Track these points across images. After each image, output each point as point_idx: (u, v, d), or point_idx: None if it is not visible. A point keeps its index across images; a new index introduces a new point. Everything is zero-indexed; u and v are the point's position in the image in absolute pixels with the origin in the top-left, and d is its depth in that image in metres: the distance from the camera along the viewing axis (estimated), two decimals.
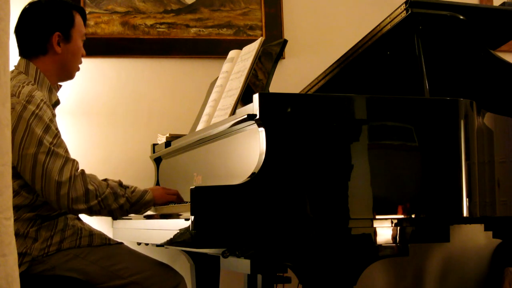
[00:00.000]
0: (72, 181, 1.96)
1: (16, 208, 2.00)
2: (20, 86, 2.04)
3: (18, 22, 2.20)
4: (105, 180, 2.07)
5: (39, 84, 2.12)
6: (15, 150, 1.96)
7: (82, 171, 2.01)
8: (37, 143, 1.97)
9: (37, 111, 2.00)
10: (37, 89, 2.07)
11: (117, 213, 2.07)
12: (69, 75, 2.26)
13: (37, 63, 2.15)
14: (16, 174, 2.00)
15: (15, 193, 2.00)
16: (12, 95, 1.99)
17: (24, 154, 1.97)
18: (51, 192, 1.96)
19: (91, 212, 2.02)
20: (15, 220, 1.98)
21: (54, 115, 2.11)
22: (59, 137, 2.04)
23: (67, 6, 2.22)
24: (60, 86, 2.27)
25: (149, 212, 2.30)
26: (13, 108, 1.97)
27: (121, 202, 2.04)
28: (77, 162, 2.02)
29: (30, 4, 2.20)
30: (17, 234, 1.96)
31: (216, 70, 2.77)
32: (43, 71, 2.14)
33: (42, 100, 2.04)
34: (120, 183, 2.08)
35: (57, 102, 2.22)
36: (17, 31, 2.20)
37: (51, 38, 2.16)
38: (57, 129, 2.06)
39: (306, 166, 1.79)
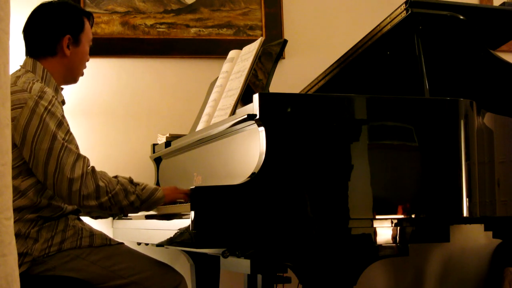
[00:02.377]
0: (83, 178, 1.97)
1: (19, 209, 2.00)
2: (31, 82, 2.06)
3: (28, 22, 2.22)
4: (116, 177, 2.07)
5: (46, 83, 2.15)
6: (27, 145, 1.98)
7: (93, 168, 2.02)
8: (51, 138, 1.99)
9: (49, 106, 2.02)
10: (46, 87, 2.09)
11: (128, 210, 2.08)
12: (74, 79, 2.29)
13: (45, 64, 2.17)
14: (27, 171, 2.00)
15: (21, 194, 2.00)
16: (24, 91, 2.02)
17: (37, 148, 1.98)
18: (63, 189, 1.97)
19: (102, 208, 2.02)
20: (16, 221, 1.98)
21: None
22: (71, 133, 2.07)
23: (78, 10, 2.26)
24: (62, 89, 2.28)
25: (149, 212, 2.30)
26: (25, 103, 1.99)
27: (132, 199, 2.04)
28: (88, 159, 2.04)
29: (41, 5, 2.23)
30: (18, 235, 1.96)
31: (216, 70, 2.77)
32: (49, 71, 2.16)
33: (53, 96, 2.07)
34: (130, 180, 2.08)
35: (63, 102, 2.24)
36: (27, 31, 2.22)
37: (61, 40, 2.18)
38: (68, 125, 2.08)
39: (306, 166, 1.79)
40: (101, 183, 2.00)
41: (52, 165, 1.97)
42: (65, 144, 2.00)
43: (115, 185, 2.02)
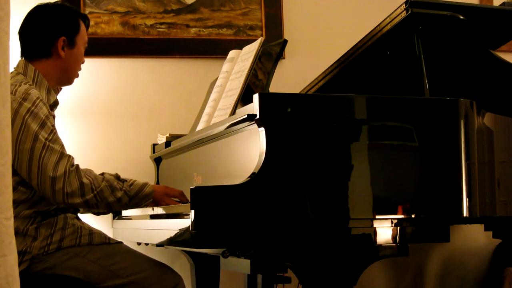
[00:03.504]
0: (66, 176, 1.97)
1: (15, 204, 2.01)
2: (17, 84, 2.07)
3: (23, 23, 2.23)
4: (102, 174, 2.08)
5: (37, 84, 2.15)
6: (11, 146, 1.97)
7: (77, 165, 2.02)
8: (33, 138, 1.99)
9: (32, 108, 2.02)
10: (33, 88, 2.09)
11: (116, 207, 2.08)
12: (68, 80, 2.29)
13: (38, 65, 2.18)
14: (13, 170, 2.00)
15: (13, 189, 2.01)
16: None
17: (20, 149, 1.99)
18: (47, 188, 1.97)
19: (88, 205, 2.03)
20: (14, 218, 1.98)
21: (50, 114, 2.12)
22: (55, 133, 2.06)
23: (73, 12, 2.27)
24: (60, 89, 2.29)
25: (149, 212, 2.30)
26: None
27: (119, 195, 2.05)
28: (72, 158, 2.03)
29: (37, 7, 2.23)
30: (16, 232, 1.97)
31: (216, 70, 2.77)
32: (42, 73, 2.17)
33: (38, 97, 2.06)
34: (117, 177, 2.10)
35: (55, 103, 2.23)
36: (22, 32, 2.22)
37: (56, 42, 2.19)
38: (53, 125, 2.08)
39: (306, 166, 1.79)
40: (85, 180, 2.00)
41: (35, 165, 1.98)
42: (48, 143, 2.00)
43: (101, 182, 2.03)
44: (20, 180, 2.03)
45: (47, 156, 1.98)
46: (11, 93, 2.02)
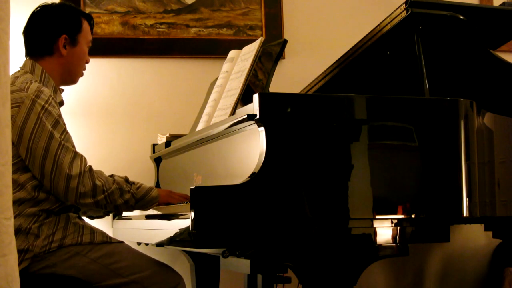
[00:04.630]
0: (81, 177, 2.02)
1: (18, 202, 2.02)
2: (28, 82, 2.10)
3: (27, 23, 2.27)
4: (112, 176, 2.12)
5: (44, 83, 2.18)
6: (24, 143, 2.01)
7: (90, 166, 2.07)
8: (48, 136, 2.02)
9: (46, 105, 2.06)
10: (44, 87, 2.12)
11: (123, 208, 2.13)
12: (72, 79, 2.31)
13: (43, 64, 2.21)
14: (24, 167, 2.03)
15: (20, 187, 2.03)
16: (21, 90, 2.05)
17: (34, 147, 2.01)
18: (60, 185, 2.01)
19: (97, 206, 2.07)
20: (17, 216, 2.00)
21: (60, 112, 2.15)
22: (67, 132, 2.10)
23: (76, 12, 2.30)
24: (62, 90, 2.30)
25: (150, 212, 2.30)
26: (22, 102, 2.02)
27: (127, 197, 2.09)
28: (85, 158, 2.08)
29: (41, 7, 2.27)
30: (19, 230, 1.98)
31: (216, 70, 2.77)
32: (48, 72, 2.19)
33: (50, 95, 2.10)
34: (126, 179, 2.14)
35: (61, 103, 2.28)
36: (26, 31, 2.26)
37: (57, 40, 2.22)
38: (64, 124, 2.12)
39: (306, 166, 1.79)
40: (98, 182, 2.04)
41: (49, 163, 2.01)
42: (62, 142, 2.04)
43: (111, 184, 2.07)
44: (29, 177, 2.04)
45: (63, 155, 2.02)
46: (23, 90, 2.05)
